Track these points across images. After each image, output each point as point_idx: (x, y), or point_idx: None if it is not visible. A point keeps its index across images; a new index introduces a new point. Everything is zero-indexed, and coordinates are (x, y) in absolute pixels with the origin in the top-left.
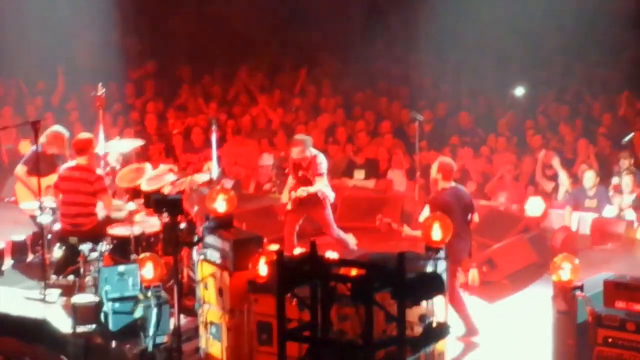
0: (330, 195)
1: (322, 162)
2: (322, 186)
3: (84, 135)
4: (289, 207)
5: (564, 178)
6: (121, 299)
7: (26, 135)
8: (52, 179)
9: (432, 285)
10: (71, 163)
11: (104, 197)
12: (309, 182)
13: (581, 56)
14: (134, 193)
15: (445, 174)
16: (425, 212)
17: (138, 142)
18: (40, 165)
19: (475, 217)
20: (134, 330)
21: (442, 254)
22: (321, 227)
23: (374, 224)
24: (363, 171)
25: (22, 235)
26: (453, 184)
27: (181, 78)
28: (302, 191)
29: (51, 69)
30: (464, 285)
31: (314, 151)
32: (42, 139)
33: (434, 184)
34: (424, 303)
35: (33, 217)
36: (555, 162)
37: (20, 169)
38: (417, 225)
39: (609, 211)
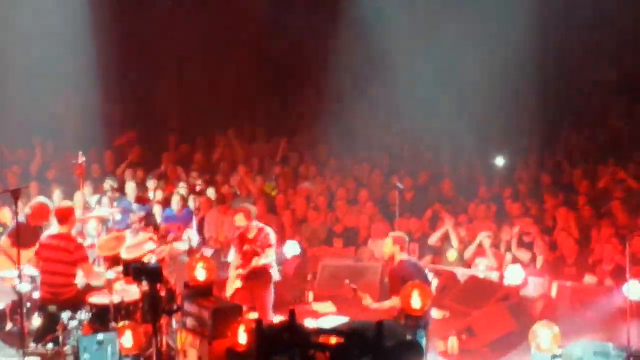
0: (275, 275)
1: (270, 233)
2: (272, 259)
3: (65, 203)
4: (236, 284)
5: (541, 246)
6: None
7: (5, 202)
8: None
9: (411, 353)
10: (52, 231)
11: (84, 266)
12: (253, 256)
13: (561, 124)
14: (113, 261)
15: (402, 245)
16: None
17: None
18: (23, 236)
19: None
20: None
21: (421, 322)
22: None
23: (353, 292)
24: (341, 240)
25: (1, 303)
26: (406, 255)
27: (162, 146)
28: (256, 261)
29: (32, 135)
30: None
31: (259, 223)
32: (27, 210)
33: (390, 259)
34: None
35: (13, 286)
36: (533, 230)
37: (5, 241)
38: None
39: (588, 279)
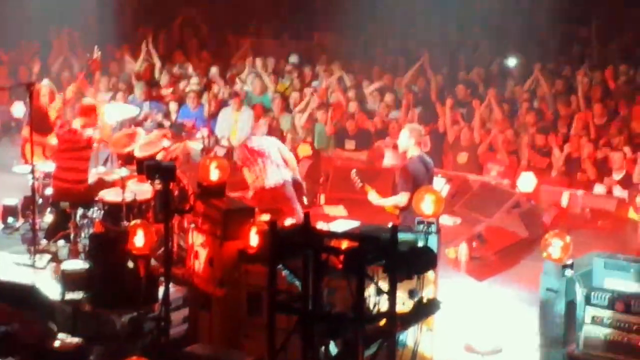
0: None
1: None
2: None
3: (89, 100)
4: None
5: (559, 155)
6: None
7: (19, 97)
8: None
9: (424, 260)
10: (70, 126)
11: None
12: None
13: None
14: (127, 159)
15: (418, 139)
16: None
17: (132, 111)
18: (39, 123)
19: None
20: (123, 298)
21: (434, 227)
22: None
23: (365, 195)
24: (353, 142)
25: (13, 199)
26: (420, 150)
27: (178, 42)
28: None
29: (47, 30)
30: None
31: None
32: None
33: (403, 153)
34: (414, 278)
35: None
36: (551, 139)
37: (26, 131)
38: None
39: (599, 188)
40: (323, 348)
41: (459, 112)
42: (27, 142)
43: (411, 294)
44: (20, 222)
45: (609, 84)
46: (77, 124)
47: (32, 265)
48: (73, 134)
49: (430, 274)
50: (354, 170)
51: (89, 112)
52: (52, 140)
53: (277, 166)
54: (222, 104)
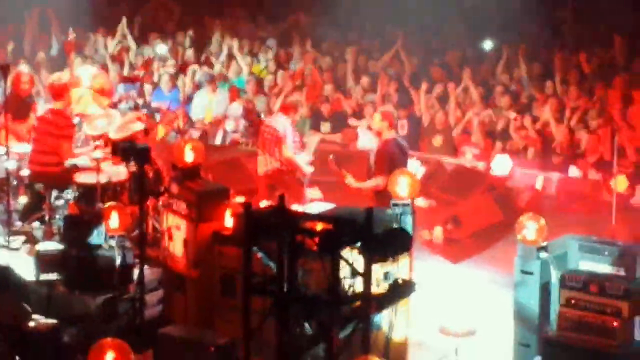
0: None
1: None
2: None
3: (60, 80)
4: None
5: (534, 138)
6: None
7: None
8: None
9: (399, 241)
10: (48, 106)
11: (65, 145)
12: None
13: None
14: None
15: (391, 122)
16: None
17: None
18: (16, 109)
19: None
20: (97, 279)
21: (409, 209)
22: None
23: (341, 178)
24: (329, 124)
25: None
26: (395, 133)
27: (152, 24)
28: None
29: (21, 11)
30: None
31: None
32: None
33: (377, 136)
34: (389, 259)
35: None
36: (527, 121)
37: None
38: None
39: (573, 171)
40: (298, 330)
41: (434, 95)
42: (2, 129)
43: (386, 275)
44: None
45: (584, 67)
46: (55, 107)
47: (7, 247)
48: (57, 116)
49: (405, 256)
50: (331, 155)
51: (62, 92)
52: (23, 129)
53: (270, 155)
54: (198, 86)
